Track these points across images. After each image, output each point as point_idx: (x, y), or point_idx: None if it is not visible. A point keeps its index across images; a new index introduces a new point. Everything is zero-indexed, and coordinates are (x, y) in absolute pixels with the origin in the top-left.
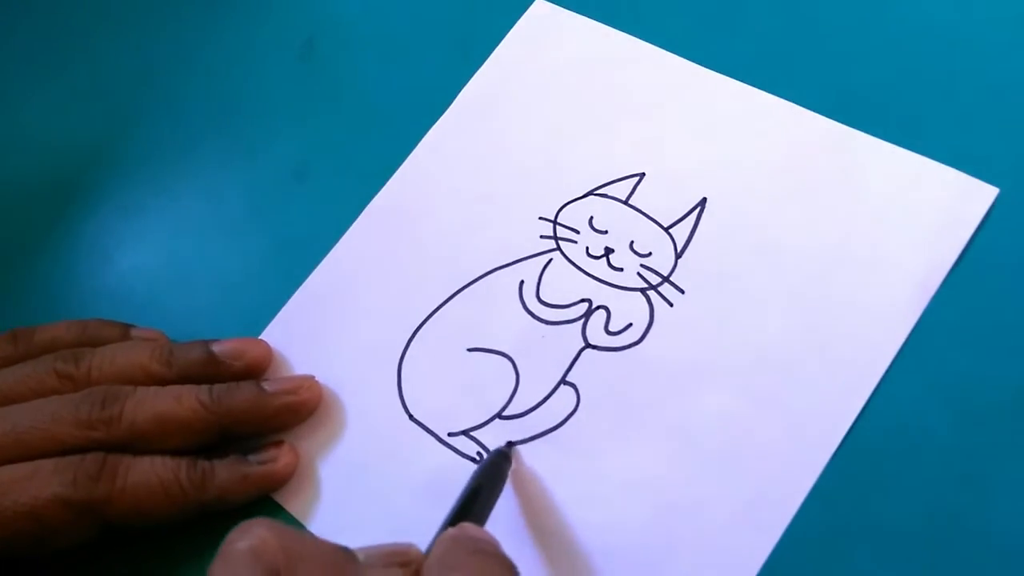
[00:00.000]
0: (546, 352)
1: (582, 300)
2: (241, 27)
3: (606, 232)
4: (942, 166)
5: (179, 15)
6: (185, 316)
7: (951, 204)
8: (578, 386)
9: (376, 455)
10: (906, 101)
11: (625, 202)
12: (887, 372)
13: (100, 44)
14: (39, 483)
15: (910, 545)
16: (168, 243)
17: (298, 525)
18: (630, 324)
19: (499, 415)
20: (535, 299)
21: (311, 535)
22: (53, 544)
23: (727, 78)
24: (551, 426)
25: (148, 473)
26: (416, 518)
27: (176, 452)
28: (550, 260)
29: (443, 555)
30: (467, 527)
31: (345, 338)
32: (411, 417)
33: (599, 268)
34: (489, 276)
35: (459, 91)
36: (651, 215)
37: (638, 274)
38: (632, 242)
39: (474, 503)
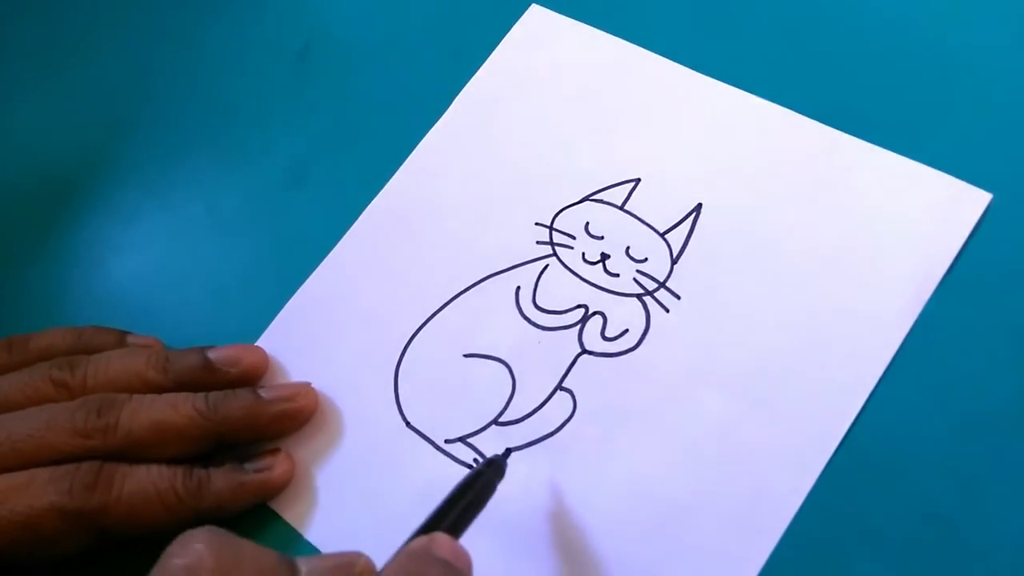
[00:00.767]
0: (542, 358)
1: (578, 306)
2: (238, 31)
3: (602, 238)
4: (936, 172)
5: (175, 19)
6: (181, 322)
7: (945, 209)
8: (575, 392)
9: (373, 462)
10: (900, 107)
11: (621, 208)
12: (883, 376)
13: (96, 47)
14: (35, 492)
15: (907, 547)
16: (164, 248)
17: (295, 533)
18: (626, 330)
19: (495, 421)
20: (531, 305)
21: (253, 546)
22: (49, 553)
23: (722, 84)
24: (548, 432)
25: (144, 482)
26: (413, 525)
27: (172, 460)
28: (546, 266)
29: (390, 572)
30: (437, 538)
31: (341, 344)
32: (408, 424)
33: (595, 274)
34: (485, 282)
35: (455, 96)
36: (647, 220)
37: (634, 279)
38: (628, 248)
39: (450, 512)
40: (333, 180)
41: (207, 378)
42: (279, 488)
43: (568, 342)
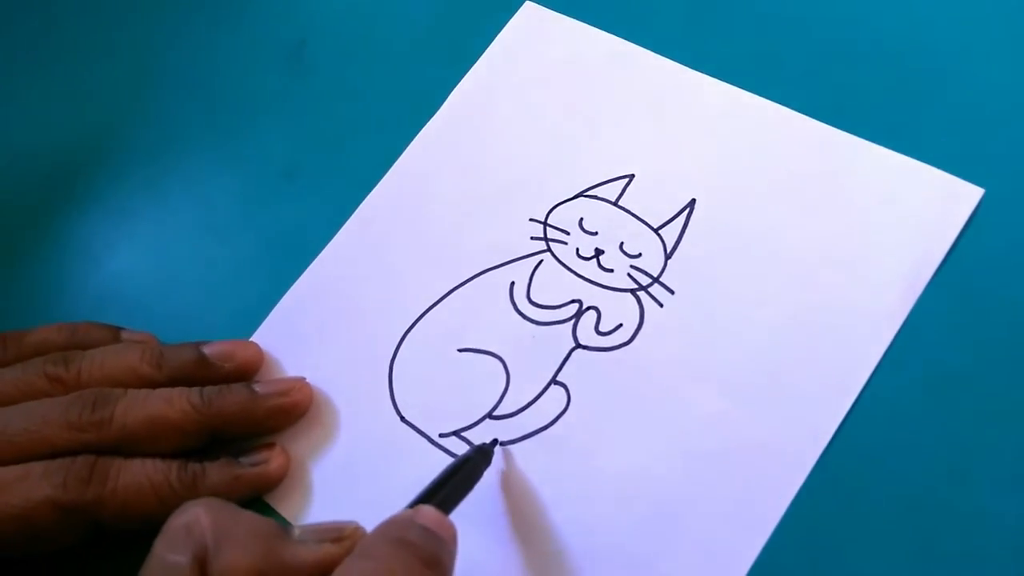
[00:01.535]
0: (537, 352)
1: (572, 301)
2: (232, 29)
3: (596, 233)
4: (928, 167)
5: (170, 16)
6: (175, 318)
7: (937, 205)
8: (568, 386)
9: (368, 456)
10: (892, 103)
11: (615, 203)
12: (875, 371)
13: (89, 46)
14: (30, 485)
15: (899, 542)
16: (158, 245)
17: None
18: (620, 324)
19: (490, 415)
20: (526, 300)
21: (251, 514)
22: (44, 546)
23: (715, 80)
24: (541, 426)
25: (139, 475)
26: None
27: (167, 454)
28: (540, 261)
29: (366, 541)
30: (422, 508)
31: (336, 339)
32: (402, 418)
33: (589, 269)
34: (480, 277)
35: (449, 93)
36: (641, 216)
37: (628, 275)
38: (622, 243)
39: (436, 493)
40: (328, 176)
41: (201, 373)
42: (275, 482)
43: (562, 337)
